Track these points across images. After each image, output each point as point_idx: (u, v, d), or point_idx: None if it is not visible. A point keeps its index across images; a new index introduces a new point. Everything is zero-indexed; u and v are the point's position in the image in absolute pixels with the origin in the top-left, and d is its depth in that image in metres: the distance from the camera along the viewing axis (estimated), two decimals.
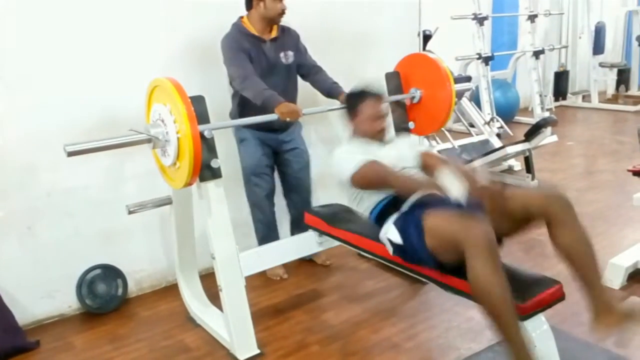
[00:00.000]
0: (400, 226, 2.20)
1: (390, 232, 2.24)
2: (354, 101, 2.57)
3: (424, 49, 4.69)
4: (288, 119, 2.66)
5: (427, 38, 5.49)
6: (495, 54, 6.44)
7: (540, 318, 1.97)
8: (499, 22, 7.72)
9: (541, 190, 2.20)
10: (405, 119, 3.23)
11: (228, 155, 3.12)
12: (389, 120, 2.60)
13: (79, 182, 2.92)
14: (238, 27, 2.96)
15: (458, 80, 4.33)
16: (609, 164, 5.41)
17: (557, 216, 2.01)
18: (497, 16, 7.41)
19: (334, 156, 2.45)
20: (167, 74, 2.30)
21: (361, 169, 2.30)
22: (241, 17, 3.00)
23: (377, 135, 2.52)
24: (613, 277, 3.03)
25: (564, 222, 2.01)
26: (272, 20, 2.97)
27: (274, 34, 3.01)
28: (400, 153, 2.49)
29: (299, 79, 3.19)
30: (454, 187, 2.02)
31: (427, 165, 2.48)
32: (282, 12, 2.95)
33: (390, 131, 2.66)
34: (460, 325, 2.73)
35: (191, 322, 2.89)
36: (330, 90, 3.08)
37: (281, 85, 3.00)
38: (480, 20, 6.31)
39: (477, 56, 6.24)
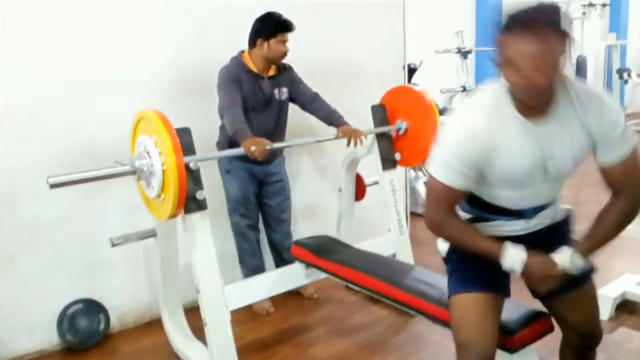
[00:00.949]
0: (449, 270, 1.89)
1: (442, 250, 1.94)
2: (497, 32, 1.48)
3: (409, 81, 4.74)
4: (256, 154, 2.61)
5: (412, 71, 5.56)
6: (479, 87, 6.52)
7: (530, 351, 1.95)
8: (483, 56, 7.86)
9: (591, 325, 1.99)
10: (392, 150, 3.25)
11: (213, 187, 3.11)
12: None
13: (62, 214, 2.88)
14: (238, 62, 2.98)
15: (443, 112, 4.37)
16: (594, 195, 5.39)
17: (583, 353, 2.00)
18: (481, 50, 7.55)
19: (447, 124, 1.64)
20: (153, 105, 2.29)
21: (435, 183, 1.62)
22: (242, 52, 3.02)
23: (535, 102, 1.49)
24: (601, 308, 3.00)
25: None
26: (273, 61, 3.00)
27: (272, 72, 3.05)
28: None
29: (300, 110, 3.22)
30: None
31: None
32: (284, 55, 2.98)
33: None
34: (451, 359, 2.69)
35: (175, 357, 2.82)
36: (331, 120, 3.10)
37: (273, 121, 3.08)
38: (464, 54, 6.42)
39: (462, 89, 6.33)
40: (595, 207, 4.89)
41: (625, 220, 1.76)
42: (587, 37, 9.22)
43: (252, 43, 2.98)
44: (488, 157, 1.55)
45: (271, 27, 2.91)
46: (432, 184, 1.63)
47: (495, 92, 1.59)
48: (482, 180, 1.62)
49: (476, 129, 1.53)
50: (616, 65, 8.89)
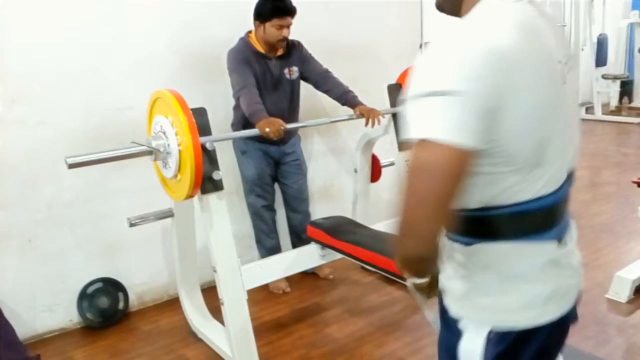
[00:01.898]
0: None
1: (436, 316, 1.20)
2: None
3: None
4: (270, 134, 2.60)
5: None
6: None
7: None
8: None
9: None
10: None
11: (229, 168, 3.12)
12: None
13: (80, 195, 2.91)
14: (245, 42, 2.97)
15: None
16: (614, 176, 5.38)
17: None
18: None
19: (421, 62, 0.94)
20: (169, 86, 2.29)
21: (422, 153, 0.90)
22: (249, 32, 3.00)
23: None
24: (620, 290, 2.99)
25: None
26: (272, 45, 2.96)
27: (280, 51, 3.02)
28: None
29: (315, 91, 3.19)
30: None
31: None
32: (282, 39, 2.93)
33: None
34: None
35: (192, 336, 2.85)
36: (346, 100, 3.07)
37: (285, 101, 3.07)
38: None
39: None
40: (614, 188, 4.85)
41: None
42: (609, 15, 9.01)
43: (254, 24, 2.96)
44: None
45: (267, 10, 2.87)
46: (432, 158, 0.88)
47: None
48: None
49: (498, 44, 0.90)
50: (638, 44, 8.71)
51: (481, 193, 0.98)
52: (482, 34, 0.91)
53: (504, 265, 1.02)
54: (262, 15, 2.88)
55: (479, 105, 0.87)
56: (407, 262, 0.99)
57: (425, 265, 1.01)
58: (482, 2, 0.99)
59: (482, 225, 1.01)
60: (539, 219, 1.01)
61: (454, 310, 1.08)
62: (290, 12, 2.88)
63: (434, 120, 0.87)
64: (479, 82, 0.87)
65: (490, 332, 1.03)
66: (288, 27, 2.91)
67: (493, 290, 1.03)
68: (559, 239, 1.04)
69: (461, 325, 1.06)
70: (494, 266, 1.03)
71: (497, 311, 1.03)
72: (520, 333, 1.02)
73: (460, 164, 0.87)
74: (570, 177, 1.07)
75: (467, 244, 1.04)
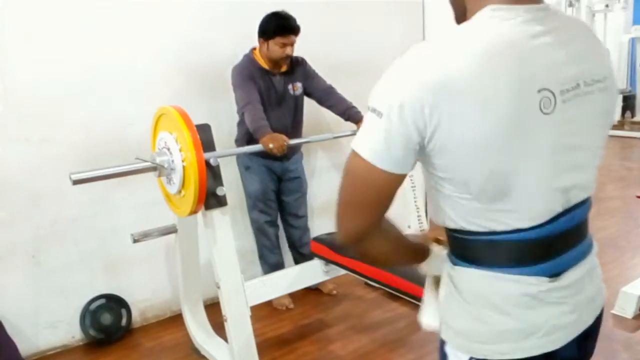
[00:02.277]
0: None
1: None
2: None
3: None
4: (274, 150, 2.61)
5: None
6: None
7: None
8: None
9: None
10: None
11: (232, 183, 3.12)
12: None
13: (84, 211, 2.91)
14: (250, 59, 2.99)
15: None
16: (618, 190, 5.37)
17: None
18: None
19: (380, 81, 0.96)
20: (173, 102, 2.30)
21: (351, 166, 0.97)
22: (253, 49, 3.02)
23: None
24: (625, 305, 2.97)
25: None
26: (275, 62, 2.99)
27: (284, 68, 3.04)
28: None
29: (317, 107, 3.21)
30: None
31: None
32: (285, 57, 2.95)
33: None
34: None
35: (196, 353, 2.84)
36: (349, 116, 3.09)
37: (289, 117, 3.09)
38: None
39: None
40: (619, 202, 4.83)
41: None
42: (610, 29, 9.05)
43: (258, 41, 2.98)
44: None
45: (271, 28, 2.89)
46: (356, 169, 0.95)
47: None
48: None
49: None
50: None
51: (455, 214, 0.97)
52: (437, 59, 0.87)
53: (480, 292, 0.99)
54: (266, 32, 2.90)
55: (405, 134, 0.88)
56: (343, 246, 1.01)
57: (359, 251, 1.02)
58: (473, 18, 0.94)
59: (463, 249, 1.00)
60: (517, 253, 0.97)
61: (441, 333, 1.07)
62: (294, 30, 2.91)
63: (365, 137, 0.92)
64: (412, 113, 0.86)
65: (468, 359, 1.01)
66: (292, 45, 2.93)
67: (469, 316, 1.00)
68: (551, 274, 0.99)
69: (446, 348, 1.05)
70: (471, 292, 1.00)
71: (472, 339, 1.01)
72: None
73: (381, 181, 0.92)
74: (570, 211, 1.01)
75: (454, 263, 1.04)
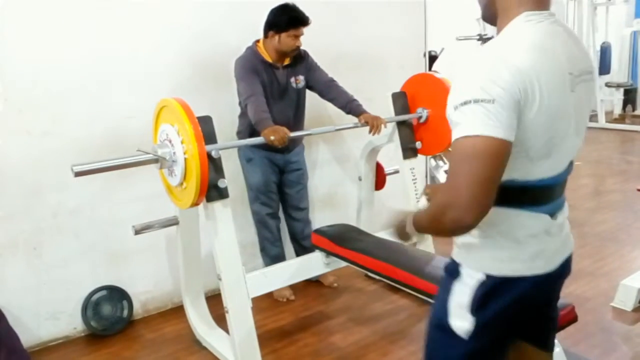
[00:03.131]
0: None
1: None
2: None
3: (429, 69, 4.70)
4: (275, 142, 2.61)
5: (433, 59, 5.51)
6: None
7: (553, 340, 1.92)
8: None
9: None
10: (413, 138, 3.23)
11: (234, 176, 3.12)
12: None
13: (85, 203, 2.92)
14: (253, 51, 2.99)
15: None
16: (618, 184, 5.37)
17: None
18: None
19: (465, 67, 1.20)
20: (175, 94, 2.30)
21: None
22: (256, 42, 3.02)
23: None
24: (625, 298, 2.98)
25: None
26: (284, 54, 3.00)
27: (287, 61, 3.04)
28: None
29: (319, 99, 3.21)
30: None
31: None
32: (295, 49, 2.97)
33: None
34: None
35: (197, 344, 2.85)
36: (350, 108, 3.08)
37: (291, 110, 3.09)
38: (485, 40, 6.32)
39: None
40: (619, 196, 4.83)
41: None
42: (612, 23, 9.03)
43: (265, 34, 2.97)
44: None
45: (283, 20, 2.89)
46: (469, 151, 1.12)
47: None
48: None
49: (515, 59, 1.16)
50: None
51: (509, 172, 1.20)
52: (506, 55, 1.15)
53: (504, 225, 1.28)
54: (277, 25, 2.90)
55: (510, 109, 1.12)
56: (454, 231, 1.22)
57: (466, 231, 1.22)
58: (512, 22, 1.23)
59: (500, 194, 1.18)
60: (538, 195, 1.28)
61: (458, 257, 1.35)
62: (306, 22, 2.92)
63: (480, 121, 1.12)
64: (508, 91, 1.11)
65: (483, 275, 1.29)
66: (300, 36, 2.94)
67: (493, 244, 1.29)
68: (552, 213, 1.32)
69: (461, 268, 1.33)
70: (498, 225, 1.28)
71: (492, 261, 1.30)
72: (505, 279, 1.29)
73: (502, 150, 1.12)
74: (569, 166, 1.33)
75: None
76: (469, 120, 1.13)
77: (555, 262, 1.34)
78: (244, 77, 2.90)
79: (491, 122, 1.11)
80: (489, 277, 1.28)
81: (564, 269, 1.40)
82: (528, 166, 1.23)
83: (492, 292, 1.29)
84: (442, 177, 5.01)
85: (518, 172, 1.23)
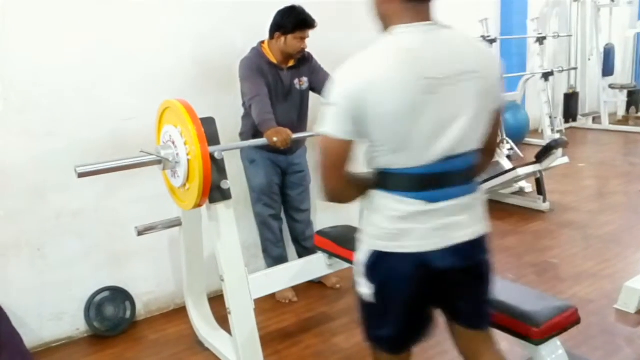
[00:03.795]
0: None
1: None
2: None
3: None
4: (278, 144, 2.62)
5: None
6: (504, 75, 6.42)
7: (556, 342, 1.92)
8: (508, 44, 7.73)
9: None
10: None
11: (236, 177, 3.13)
12: None
13: (88, 204, 2.92)
14: (258, 52, 2.99)
15: None
16: (621, 186, 5.36)
17: None
18: (506, 38, 7.43)
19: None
20: (178, 95, 2.31)
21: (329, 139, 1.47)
22: (261, 43, 3.02)
23: None
24: (628, 301, 2.97)
25: None
26: (290, 56, 3.01)
27: (291, 62, 3.05)
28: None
29: (322, 100, 3.20)
30: None
31: None
32: (301, 51, 2.98)
33: None
34: None
35: (199, 345, 2.85)
36: None
37: (295, 111, 3.10)
38: (489, 42, 6.30)
39: None
40: (622, 198, 4.82)
41: None
42: (616, 24, 9.00)
43: (271, 35, 2.98)
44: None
45: (290, 22, 2.90)
46: (321, 144, 1.48)
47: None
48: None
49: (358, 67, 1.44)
50: None
51: (377, 161, 1.50)
52: (355, 67, 1.43)
53: (377, 205, 1.53)
54: (284, 27, 2.91)
55: (345, 113, 1.41)
56: (328, 197, 1.54)
57: (343, 199, 1.58)
58: (382, 37, 1.49)
59: (377, 180, 1.52)
60: (404, 182, 1.48)
61: (361, 227, 1.62)
62: (312, 25, 2.94)
63: (327, 122, 1.45)
64: (349, 98, 1.40)
65: (368, 248, 1.55)
66: (306, 39, 2.95)
67: (370, 222, 1.55)
68: (431, 200, 1.48)
69: (362, 246, 1.59)
70: (373, 205, 1.54)
71: (371, 236, 1.55)
72: (381, 253, 1.52)
73: (341, 148, 1.45)
74: (448, 159, 1.46)
75: (373, 189, 1.55)
76: (325, 119, 1.45)
77: (434, 244, 1.50)
78: (249, 77, 2.91)
79: (335, 123, 1.43)
80: (370, 250, 1.55)
81: (462, 255, 1.54)
82: (390, 157, 1.46)
83: (373, 264, 1.55)
84: None
85: (384, 162, 1.48)
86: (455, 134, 1.44)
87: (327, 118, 1.44)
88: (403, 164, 1.46)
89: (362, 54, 1.45)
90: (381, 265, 1.54)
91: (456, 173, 1.50)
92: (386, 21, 1.51)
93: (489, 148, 1.65)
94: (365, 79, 1.39)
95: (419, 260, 1.50)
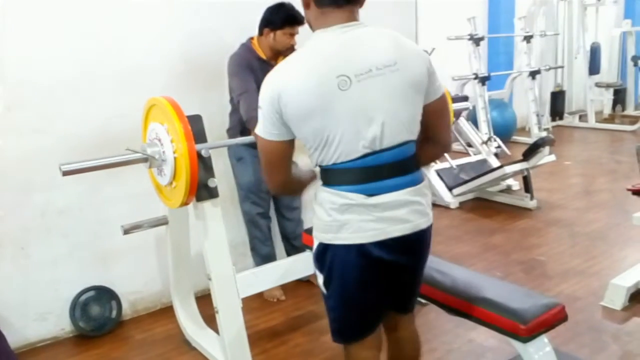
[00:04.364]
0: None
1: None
2: None
3: None
4: None
5: None
6: (491, 74, 6.46)
7: (543, 339, 1.93)
8: (495, 43, 7.77)
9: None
10: None
11: (223, 175, 3.11)
12: None
13: (73, 203, 2.89)
14: (248, 48, 2.98)
15: (455, 99, 4.33)
16: (608, 184, 5.40)
17: None
18: (493, 37, 7.46)
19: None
20: (165, 93, 2.29)
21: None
22: (251, 39, 3.01)
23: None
24: (614, 297, 2.99)
25: None
26: (279, 52, 2.98)
27: (281, 59, 3.03)
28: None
29: None
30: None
31: None
32: (291, 47, 2.95)
33: None
34: (462, 348, 2.68)
35: (186, 344, 2.83)
36: None
37: None
38: (476, 40, 6.34)
39: (474, 76, 6.26)
40: (609, 195, 4.86)
41: None
42: (601, 23, 9.07)
43: (260, 31, 2.96)
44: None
45: (279, 18, 2.89)
46: (260, 145, 1.63)
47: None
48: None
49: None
50: (631, 52, 8.77)
51: (313, 158, 1.60)
52: (280, 70, 1.56)
53: (321, 201, 1.62)
54: (273, 22, 2.90)
55: (269, 116, 1.54)
56: (275, 193, 1.64)
57: (286, 193, 1.78)
58: (310, 38, 1.59)
59: (321, 175, 1.64)
60: (338, 176, 1.57)
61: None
62: (301, 21, 2.90)
63: (258, 124, 1.59)
64: (269, 102, 1.53)
65: (316, 242, 1.66)
66: (296, 35, 2.94)
67: (316, 215, 1.65)
68: (367, 192, 1.55)
69: (314, 240, 1.69)
70: (317, 200, 1.65)
71: (316, 229, 1.66)
72: (325, 245, 1.63)
73: (273, 148, 1.59)
74: (376, 152, 1.53)
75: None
76: (258, 121, 1.59)
77: (371, 237, 1.57)
78: (237, 73, 2.89)
79: (263, 125, 1.57)
80: (317, 242, 1.66)
81: (400, 248, 1.61)
82: (320, 153, 1.56)
83: (320, 255, 1.66)
84: (433, 177, 5.02)
85: (318, 158, 1.58)
86: (378, 127, 1.51)
87: (259, 121, 1.58)
88: (336, 159, 1.54)
89: (284, 61, 1.60)
90: (326, 255, 1.64)
91: (391, 165, 1.56)
92: (311, 26, 1.63)
93: (436, 138, 1.70)
94: (280, 82, 1.51)
95: (360, 251, 1.58)
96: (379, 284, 1.67)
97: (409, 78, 1.53)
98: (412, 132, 1.59)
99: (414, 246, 1.66)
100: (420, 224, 1.63)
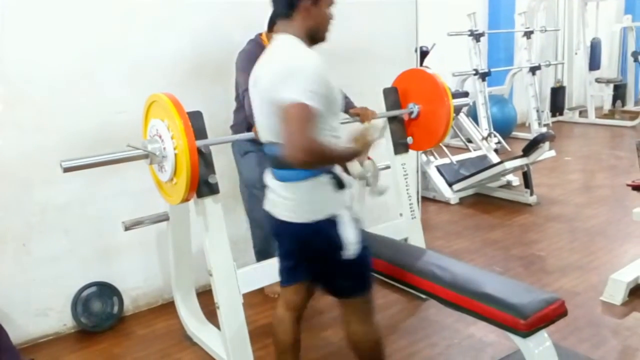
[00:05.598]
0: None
1: None
2: None
3: (421, 65, 4.70)
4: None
5: (424, 54, 5.51)
6: (491, 70, 6.47)
7: (543, 334, 1.94)
8: (495, 39, 7.77)
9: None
10: (404, 134, 3.22)
11: (225, 171, 3.11)
12: None
13: (75, 199, 2.90)
14: (257, 43, 2.96)
15: (455, 95, 4.33)
16: (608, 179, 5.41)
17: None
18: (493, 32, 7.45)
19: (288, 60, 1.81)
20: (167, 89, 2.29)
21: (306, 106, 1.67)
22: (260, 34, 3.00)
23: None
24: (614, 292, 3.00)
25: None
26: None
27: None
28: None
29: None
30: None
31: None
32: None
33: None
34: (461, 343, 2.69)
35: (188, 340, 2.84)
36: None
37: None
38: (476, 36, 6.34)
39: (474, 72, 6.26)
40: (609, 191, 4.86)
41: None
42: (602, 19, 9.07)
43: (270, 27, 2.11)
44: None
45: None
46: (298, 110, 1.64)
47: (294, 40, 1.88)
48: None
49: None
50: (631, 48, 8.76)
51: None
52: (313, 52, 1.88)
53: None
54: None
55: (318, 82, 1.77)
56: (300, 155, 1.63)
57: (308, 159, 1.64)
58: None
59: None
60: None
61: None
62: None
63: (307, 96, 1.70)
64: (322, 69, 1.83)
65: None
66: None
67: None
68: (278, 179, 1.88)
69: None
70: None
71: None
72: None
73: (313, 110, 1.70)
74: (270, 145, 1.85)
75: None
76: (302, 95, 1.70)
77: (273, 213, 1.93)
78: (245, 68, 2.86)
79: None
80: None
81: (285, 224, 1.90)
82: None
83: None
84: (433, 173, 5.02)
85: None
86: (258, 124, 1.89)
87: (304, 87, 1.73)
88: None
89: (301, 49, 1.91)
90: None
91: (272, 158, 1.86)
92: (312, 26, 2.05)
93: (283, 142, 1.69)
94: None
95: (277, 225, 1.94)
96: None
97: (265, 86, 1.81)
98: (274, 134, 1.81)
99: (282, 229, 2.01)
100: (279, 213, 1.92)
